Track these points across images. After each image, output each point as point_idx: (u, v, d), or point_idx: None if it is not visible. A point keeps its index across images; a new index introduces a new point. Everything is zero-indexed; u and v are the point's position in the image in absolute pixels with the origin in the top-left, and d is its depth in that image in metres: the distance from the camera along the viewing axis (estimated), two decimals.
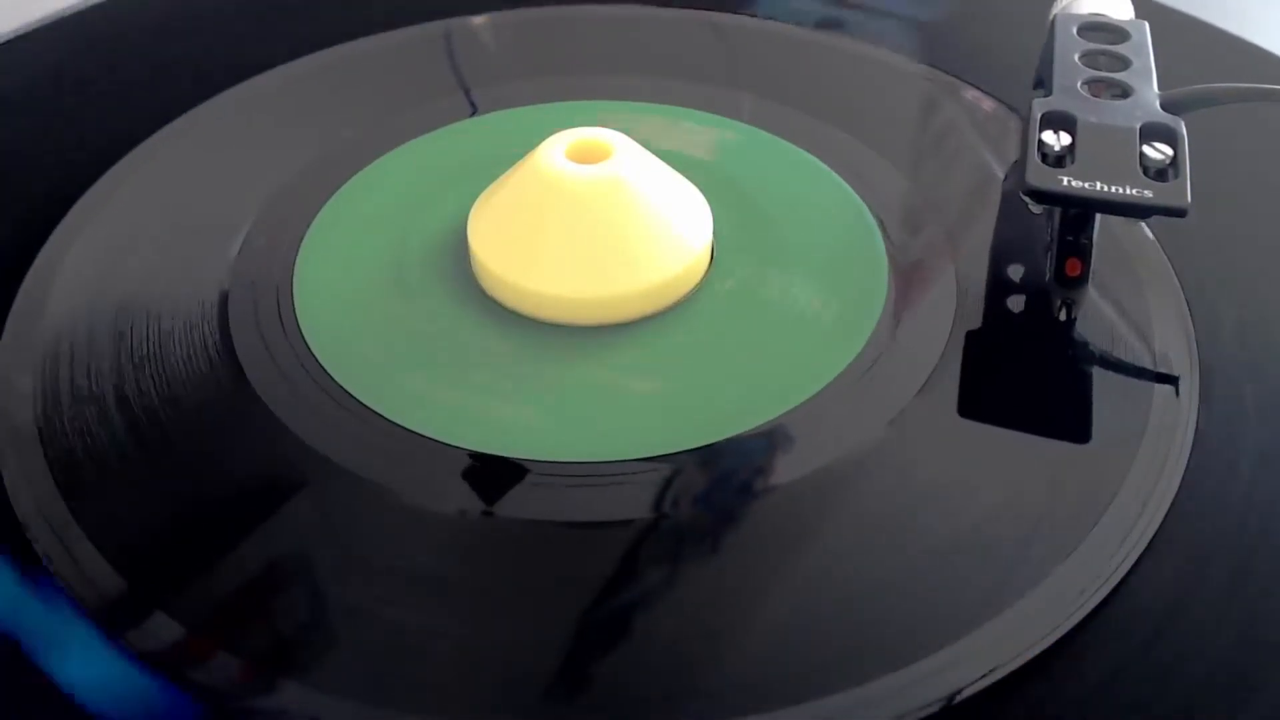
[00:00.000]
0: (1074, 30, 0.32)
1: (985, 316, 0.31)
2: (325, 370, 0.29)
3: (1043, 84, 0.32)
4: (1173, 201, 0.27)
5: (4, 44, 0.41)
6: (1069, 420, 0.28)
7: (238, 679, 0.24)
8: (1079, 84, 0.30)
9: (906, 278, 0.31)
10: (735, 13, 0.42)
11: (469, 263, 0.31)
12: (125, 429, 0.28)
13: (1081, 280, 0.30)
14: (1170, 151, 0.28)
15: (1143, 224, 0.32)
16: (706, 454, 0.27)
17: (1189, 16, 0.41)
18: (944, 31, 0.41)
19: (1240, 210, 0.34)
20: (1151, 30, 0.33)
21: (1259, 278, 0.32)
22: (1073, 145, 0.28)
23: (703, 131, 0.36)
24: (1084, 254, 0.30)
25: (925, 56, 0.39)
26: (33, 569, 0.26)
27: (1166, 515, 0.26)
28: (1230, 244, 0.33)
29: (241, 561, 0.26)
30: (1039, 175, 0.28)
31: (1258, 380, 0.29)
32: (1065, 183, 0.28)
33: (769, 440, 0.28)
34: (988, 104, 0.38)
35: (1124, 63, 0.31)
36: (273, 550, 0.26)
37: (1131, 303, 0.31)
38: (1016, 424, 0.28)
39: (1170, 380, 0.29)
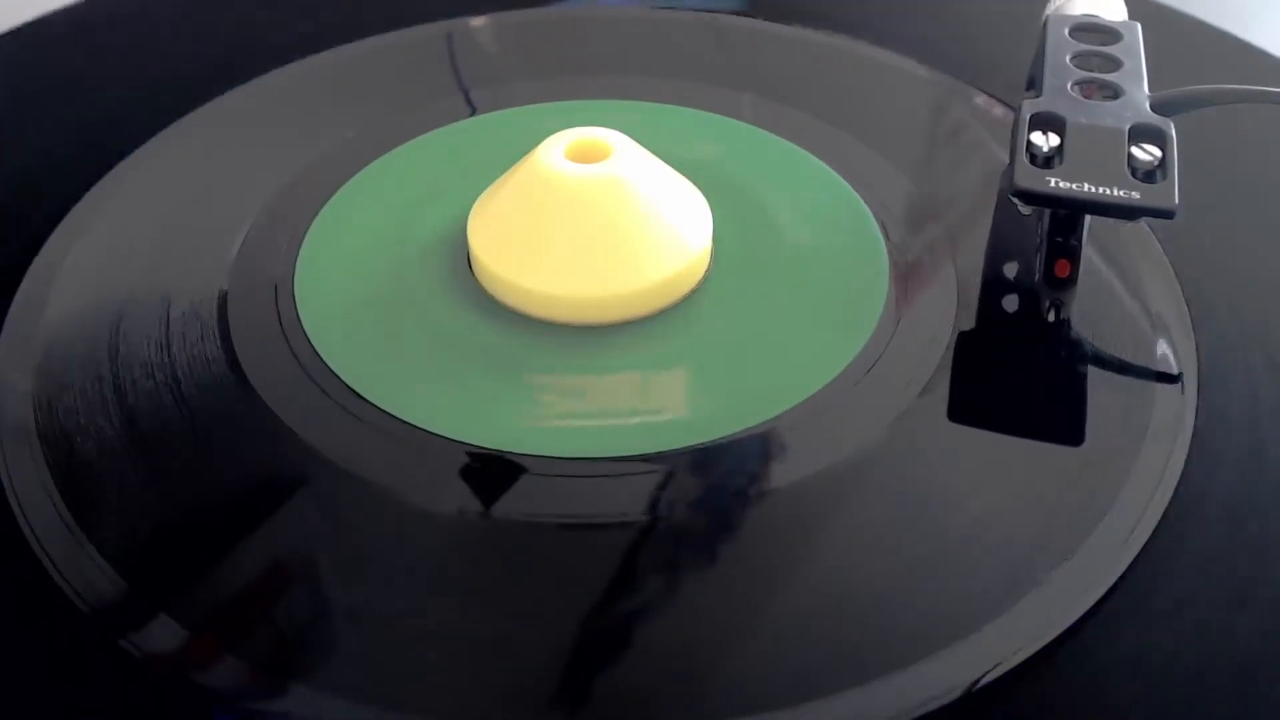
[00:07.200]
0: (1066, 31, 0.32)
1: (985, 318, 0.31)
2: (325, 370, 0.29)
3: (1035, 85, 0.32)
4: (1160, 203, 0.27)
5: (3, 41, 0.41)
6: (1068, 422, 0.28)
7: (237, 679, 0.24)
8: (1069, 85, 0.30)
9: (907, 278, 0.31)
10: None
11: (469, 263, 0.32)
12: (125, 430, 0.28)
13: (1071, 281, 0.30)
14: (1159, 153, 0.28)
15: (1143, 223, 0.32)
16: (706, 454, 0.27)
17: (1187, 16, 0.41)
18: (944, 31, 0.42)
19: (1240, 209, 0.34)
20: (1149, 29, 0.33)
21: (1259, 278, 0.32)
22: (1061, 146, 0.29)
23: (703, 131, 0.36)
24: (1073, 255, 0.30)
25: (926, 57, 0.40)
26: (33, 571, 0.26)
27: (1165, 515, 0.26)
28: (1230, 243, 0.33)
29: (242, 562, 0.26)
30: (1027, 176, 0.28)
31: (1257, 380, 0.29)
32: (1053, 184, 0.28)
33: (769, 440, 0.28)
34: (990, 104, 0.38)
35: (1115, 64, 0.31)
36: (273, 550, 0.26)
37: (1132, 304, 0.31)
38: (1013, 427, 0.28)
39: (1170, 380, 0.29)
